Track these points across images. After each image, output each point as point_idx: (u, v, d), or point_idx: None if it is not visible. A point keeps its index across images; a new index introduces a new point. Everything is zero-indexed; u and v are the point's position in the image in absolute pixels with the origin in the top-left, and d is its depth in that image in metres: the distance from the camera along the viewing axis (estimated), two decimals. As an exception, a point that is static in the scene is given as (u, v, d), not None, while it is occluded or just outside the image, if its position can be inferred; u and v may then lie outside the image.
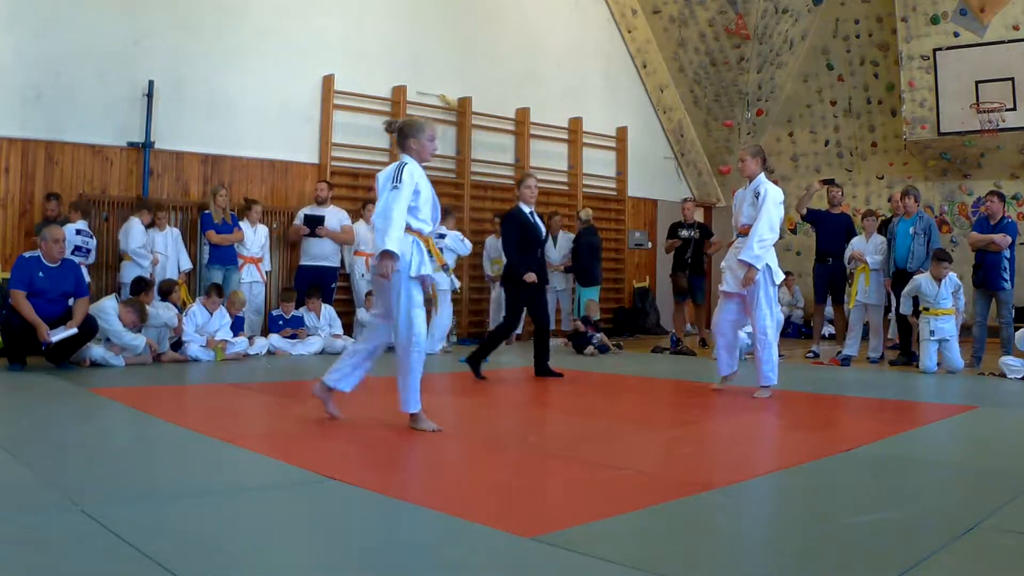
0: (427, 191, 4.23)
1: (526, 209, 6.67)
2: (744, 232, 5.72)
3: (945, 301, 7.47)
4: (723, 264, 5.96)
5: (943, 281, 7.43)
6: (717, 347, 5.96)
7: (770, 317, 5.66)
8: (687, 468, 3.67)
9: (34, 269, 6.36)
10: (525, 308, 6.88)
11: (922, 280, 7.56)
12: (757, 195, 5.65)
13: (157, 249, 8.05)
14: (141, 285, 7.30)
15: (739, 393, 5.71)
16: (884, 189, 12.56)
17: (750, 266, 5.56)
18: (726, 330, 5.90)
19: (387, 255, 3.96)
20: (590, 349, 8.99)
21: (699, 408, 5.39)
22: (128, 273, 7.80)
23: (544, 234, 6.90)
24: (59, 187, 7.93)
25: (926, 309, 7.53)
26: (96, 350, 6.68)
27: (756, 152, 5.85)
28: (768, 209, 5.58)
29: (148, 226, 8.03)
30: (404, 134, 4.32)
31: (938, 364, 7.47)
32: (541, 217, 6.95)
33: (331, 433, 4.13)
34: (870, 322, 8.64)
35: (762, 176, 5.77)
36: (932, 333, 7.43)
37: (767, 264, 5.62)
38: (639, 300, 12.80)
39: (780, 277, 5.76)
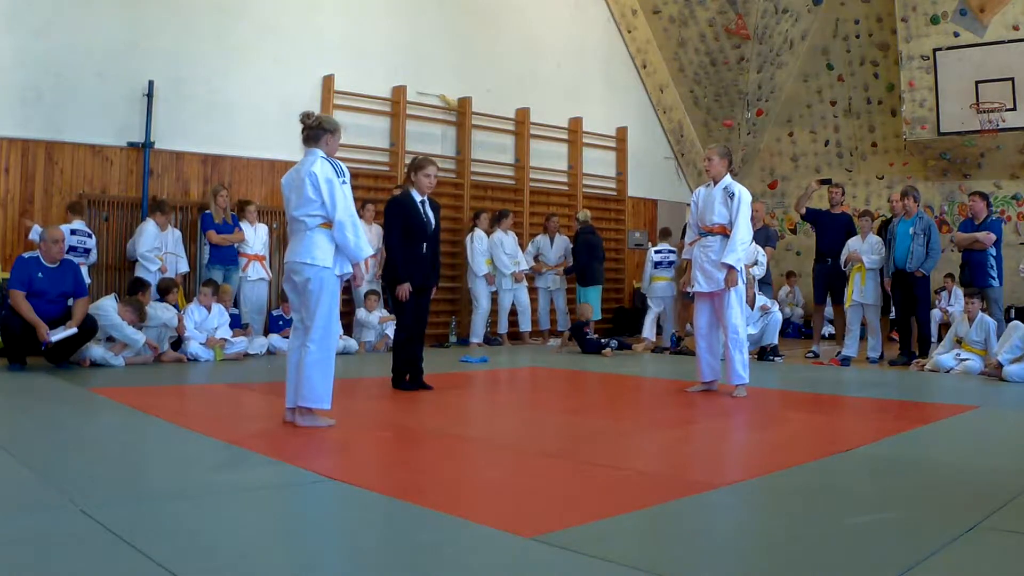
0: None
1: (417, 198, 5.81)
2: (713, 231, 5.76)
3: (976, 343, 7.36)
4: (693, 263, 5.92)
5: (975, 323, 7.36)
6: (699, 350, 5.93)
7: (741, 316, 5.75)
8: (687, 468, 3.67)
9: (33, 269, 6.37)
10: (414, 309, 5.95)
11: (956, 320, 7.63)
12: (731, 195, 5.70)
13: (166, 250, 8.04)
14: (139, 285, 7.32)
15: (725, 394, 5.72)
16: (884, 189, 12.56)
17: (730, 268, 5.63)
18: (707, 332, 5.91)
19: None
20: (607, 351, 8.92)
21: (699, 408, 5.39)
22: (142, 276, 7.74)
23: (433, 227, 5.91)
24: (59, 187, 7.94)
25: (960, 341, 7.53)
26: (96, 350, 6.68)
27: (724, 153, 5.88)
28: (744, 212, 5.69)
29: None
30: (324, 129, 4.33)
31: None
32: (436, 209, 5.99)
33: (331, 434, 4.13)
34: (867, 322, 8.64)
35: (730, 176, 5.83)
36: (963, 360, 7.35)
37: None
38: (639, 300, 12.78)
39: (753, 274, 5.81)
